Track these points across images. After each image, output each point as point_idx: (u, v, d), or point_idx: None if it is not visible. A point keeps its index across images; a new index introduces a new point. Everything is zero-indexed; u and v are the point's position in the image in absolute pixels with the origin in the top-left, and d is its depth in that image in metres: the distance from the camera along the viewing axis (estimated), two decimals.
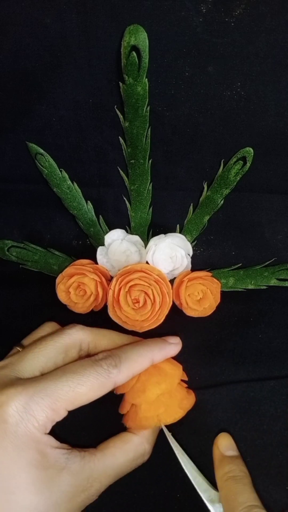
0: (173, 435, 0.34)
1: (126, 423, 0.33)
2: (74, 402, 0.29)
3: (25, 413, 0.27)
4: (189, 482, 0.33)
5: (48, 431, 0.28)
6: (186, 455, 0.33)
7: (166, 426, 0.34)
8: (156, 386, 0.33)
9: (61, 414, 0.28)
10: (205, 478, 0.33)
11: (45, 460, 0.27)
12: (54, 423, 0.28)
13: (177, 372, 0.34)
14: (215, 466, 0.32)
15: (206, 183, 0.40)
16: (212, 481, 0.33)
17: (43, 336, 0.34)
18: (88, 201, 0.42)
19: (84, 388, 0.29)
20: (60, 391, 0.28)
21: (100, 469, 0.29)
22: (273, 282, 0.43)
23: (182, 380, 0.35)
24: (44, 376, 0.30)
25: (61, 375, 0.29)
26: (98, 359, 0.31)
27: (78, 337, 0.33)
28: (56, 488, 0.27)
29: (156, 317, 0.38)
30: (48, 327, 0.36)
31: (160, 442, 0.33)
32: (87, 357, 0.34)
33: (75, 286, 0.39)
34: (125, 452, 0.31)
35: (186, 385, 0.35)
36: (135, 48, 0.34)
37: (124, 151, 0.39)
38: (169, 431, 0.34)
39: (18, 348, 0.34)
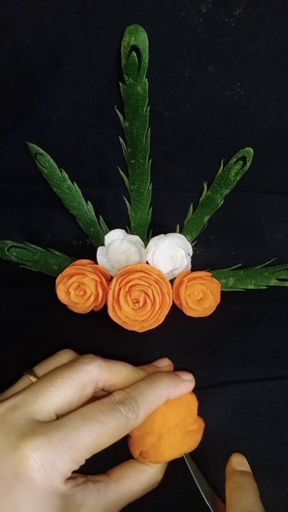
0: None
1: (137, 455, 0.33)
2: (94, 451, 0.28)
3: (51, 468, 0.26)
4: (191, 483, 0.33)
5: (67, 478, 0.28)
6: (194, 463, 0.33)
7: None
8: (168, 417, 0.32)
9: (81, 463, 0.28)
10: (211, 488, 0.33)
11: (65, 501, 0.27)
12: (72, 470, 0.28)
13: (172, 418, 0.33)
14: (226, 479, 0.33)
15: (206, 183, 0.40)
16: (212, 483, 0.33)
17: (58, 367, 0.32)
18: (88, 201, 0.42)
19: (105, 438, 0.28)
20: (83, 442, 0.27)
21: (115, 500, 0.29)
22: (273, 282, 0.43)
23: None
24: (63, 422, 0.28)
25: (81, 423, 0.28)
26: (115, 402, 0.30)
27: (96, 374, 0.31)
28: None
29: (156, 317, 0.38)
30: (63, 358, 0.34)
31: None
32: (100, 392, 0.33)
33: (75, 286, 0.39)
34: (140, 483, 0.31)
35: (194, 426, 0.34)
36: (135, 48, 0.34)
37: (124, 151, 0.39)
38: None
39: (30, 377, 0.32)
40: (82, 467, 0.28)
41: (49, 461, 0.26)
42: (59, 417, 0.29)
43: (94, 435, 0.27)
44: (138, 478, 0.31)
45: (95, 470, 0.31)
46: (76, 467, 0.28)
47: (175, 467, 0.34)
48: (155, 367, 0.36)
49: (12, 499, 0.26)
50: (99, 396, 0.31)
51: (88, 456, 0.28)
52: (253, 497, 0.31)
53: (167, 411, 0.32)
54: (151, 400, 0.31)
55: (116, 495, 0.30)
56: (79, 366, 0.31)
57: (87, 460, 0.28)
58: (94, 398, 0.31)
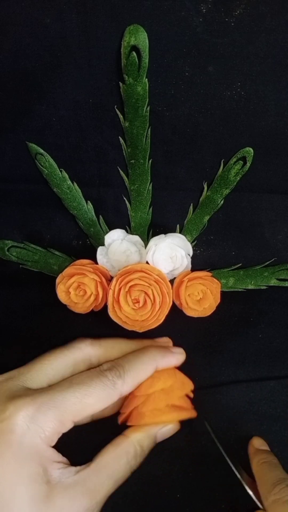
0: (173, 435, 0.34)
1: (120, 419, 0.33)
2: (81, 413, 0.29)
3: (32, 423, 0.27)
4: (191, 483, 0.33)
5: (53, 443, 0.28)
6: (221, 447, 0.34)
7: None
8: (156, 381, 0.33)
9: (68, 426, 0.28)
10: (239, 466, 0.33)
11: (44, 475, 0.27)
12: (60, 435, 0.28)
13: (160, 381, 0.34)
14: (251, 459, 0.33)
15: (206, 183, 0.40)
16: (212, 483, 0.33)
17: (53, 349, 0.34)
18: (88, 201, 0.42)
19: (91, 399, 0.29)
20: (68, 402, 0.28)
21: (95, 480, 0.29)
22: (273, 282, 0.43)
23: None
24: (51, 387, 0.30)
25: (68, 386, 0.29)
26: (103, 369, 0.31)
27: (88, 351, 0.33)
28: (51, 503, 0.27)
29: (156, 317, 0.38)
30: None
31: (160, 443, 0.33)
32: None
33: (75, 286, 0.39)
34: (117, 457, 0.31)
35: (184, 404, 0.34)
36: (135, 48, 0.34)
37: (124, 151, 0.39)
38: None
39: None
40: (75, 460, 0.28)
41: (31, 417, 0.27)
42: None
43: (79, 395, 0.29)
44: (115, 452, 0.31)
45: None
46: (63, 429, 0.28)
47: (174, 467, 0.34)
48: (151, 341, 0.37)
49: None
50: None
51: (75, 418, 0.28)
52: (281, 468, 0.31)
53: (156, 376, 0.34)
54: (138, 368, 0.32)
55: (96, 474, 0.29)
56: (71, 344, 0.34)
57: (81, 455, 0.28)
58: None
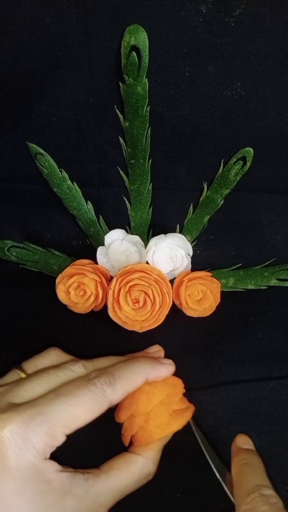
0: (173, 435, 0.34)
1: (126, 441, 0.33)
2: (71, 425, 0.28)
3: (23, 444, 0.26)
4: (191, 482, 0.33)
5: (48, 456, 0.27)
6: (206, 441, 0.34)
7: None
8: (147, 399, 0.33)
9: (60, 439, 0.28)
10: (223, 464, 0.33)
11: (48, 486, 0.27)
12: (54, 449, 0.28)
13: (156, 396, 0.33)
14: (232, 458, 0.33)
15: (206, 183, 0.40)
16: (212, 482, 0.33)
17: (46, 366, 0.33)
18: (88, 201, 0.42)
19: (81, 410, 0.28)
20: (56, 415, 0.27)
21: (106, 492, 0.29)
22: (273, 282, 0.43)
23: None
24: (37, 400, 0.28)
25: (54, 397, 0.28)
26: (91, 377, 0.30)
27: (80, 373, 0.32)
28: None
29: (156, 317, 0.38)
30: (52, 355, 0.34)
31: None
32: None
33: (75, 286, 0.39)
34: (130, 474, 0.30)
35: (181, 405, 0.34)
36: (135, 48, 0.34)
37: (124, 151, 0.39)
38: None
39: (17, 371, 0.33)
40: (78, 463, 0.28)
41: (21, 437, 0.26)
42: None
43: (68, 407, 0.27)
44: (128, 468, 0.31)
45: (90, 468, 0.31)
46: (55, 443, 0.27)
47: (175, 467, 0.34)
48: (144, 353, 0.37)
49: None
50: None
51: (66, 430, 0.27)
52: (262, 473, 0.31)
53: (151, 390, 0.33)
54: (128, 376, 0.31)
55: (106, 486, 0.29)
56: (65, 366, 0.32)
57: (80, 457, 0.28)
58: None
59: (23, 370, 0.33)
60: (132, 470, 0.31)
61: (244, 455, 0.32)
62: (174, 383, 0.35)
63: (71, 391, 0.29)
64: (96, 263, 0.41)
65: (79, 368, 0.32)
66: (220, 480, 0.32)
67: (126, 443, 0.33)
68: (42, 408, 0.27)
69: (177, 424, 0.33)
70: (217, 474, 0.32)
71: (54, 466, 0.28)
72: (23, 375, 0.33)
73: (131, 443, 0.33)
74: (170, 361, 0.36)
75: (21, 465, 0.26)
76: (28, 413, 0.27)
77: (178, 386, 0.35)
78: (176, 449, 0.34)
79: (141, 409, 0.32)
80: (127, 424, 0.33)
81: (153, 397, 0.33)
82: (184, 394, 0.35)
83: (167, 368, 0.35)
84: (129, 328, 0.39)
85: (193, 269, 0.42)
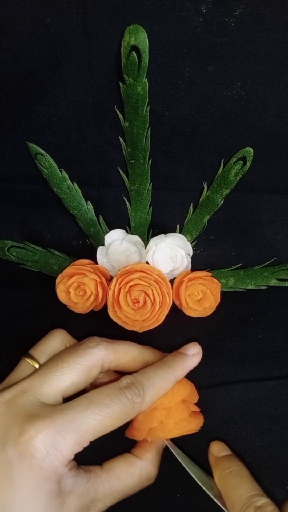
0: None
1: (127, 433, 0.33)
2: (98, 434, 0.28)
3: (52, 448, 0.27)
4: (191, 482, 0.33)
5: (69, 462, 0.28)
6: (186, 457, 0.33)
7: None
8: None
9: (84, 446, 0.28)
10: (208, 476, 0.33)
11: (59, 489, 0.27)
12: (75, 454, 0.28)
13: (180, 391, 0.33)
14: (212, 469, 0.33)
15: (206, 183, 0.40)
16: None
17: (63, 352, 0.33)
18: (88, 201, 0.42)
19: (111, 421, 0.28)
20: (87, 424, 0.28)
21: (106, 490, 0.29)
22: (273, 282, 0.43)
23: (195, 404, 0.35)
24: (69, 405, 0.29)
25: (87, 406, 0.28)
26: (122, 387, 0.30)
27: (101, 357, 0.31)
28: (65, 511, 0.27)
29: (156, 317, 0.38)
30: (57, 336, 0.35)
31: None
32: (106, 373, 0.34)
33: (75, 286, 0.39)
34: (130, 475, 0.31)
35: (196, 408, 0.35)
36: (135, 48, 0.34)
37: (124, 151, 0.39)
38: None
39: (28, 360, 0.33)
40: (80, 459, 0.28)
41: (52, 441, 0.27)
42: (65, 399, 0.30)
43: (99, 418, 0.28)
44: (129, 469, 0.31)
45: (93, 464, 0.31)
46: (79, 449, 0.28)
47: (174, 466, 0.34)
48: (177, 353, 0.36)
49: (11, 477, 0.26)
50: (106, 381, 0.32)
51: (92, 438, 0.28)
52: (248, 480, 0.30)
53: (175, 386, 0.33)
54: (158, 385, 0.31)
55: (107, 485, 0.30)
56: (85, 350, 0.31)
57: (85, 454, 0.28)
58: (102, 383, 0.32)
59: (33, 359, 0.33)
60: (132, 471, 0.31)
61: (224, 464, 0.32)
62: (191, 384, 0.35)
63: (103, 401, 0.29)
64: (96, 263, 0.41)
65: (99, 351, 0.31)
66: (210, 494, 0.31)
67: (140, 437, 0.33)
68: (74, 416, 0.28)
69: (195, 423, 0.33)
70: (207, 491, 0.31)
71: (67, 468, 0.28)
72: (35, 364, 0.32)
73: (131, 443, 0.33)
74: (198, 348, 0.35)
75: (45, 467, 0.27)
76: (62, 420, 0.27)
77: (194, 389, 0.35)
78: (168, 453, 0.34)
79: (166, 403, 0.32)
80: (144, 418, 0.32)
81: (177, 392, 0.33)
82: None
83: (195, 358, 0.34)
84: (129, 328, 0.39)
85: (193, 269, 0.42)
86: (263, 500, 0.29)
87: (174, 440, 0.34)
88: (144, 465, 0.32)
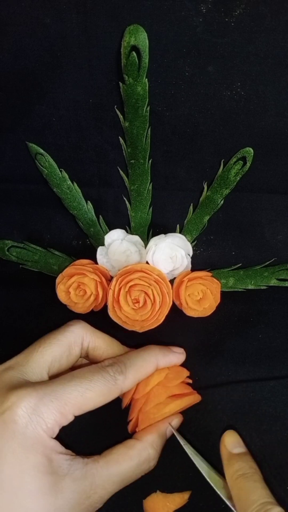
0: (173, 435, 0.34)
1: (130, 427, 0.34)
2: (81, 407, 0.29)
3: (34, 414, 0.27)
4: (193, 483, 0.32)
5: (55, 435, 0.28)
6: (199, 455, 0.33)
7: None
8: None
9: (69, 419, 0.29)
10: (219, 473, 0.32)
11: (50, 465, 0.27)
12: (60, 427, 0.28)
13: (154, 376, 0.34)
14: (224, 465, 0.32)
15: (206, 183, 0.40)
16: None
17: (45, 335, 0.34)
18: (88, 201, 0.42)
19: (92, 394, 0.29)
20: (69, 395, 0.28)
21: (104, 475, 0.29)
22: (273, 282, 0.43)
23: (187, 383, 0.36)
24: (53, 380, 0.30)
25: (70, 379, 0.29)
26: (104, 365, 0.31)
27: (80, 334, 0.33)
28: (60, 494, 0.27)
29: (156, 317, 0.38)
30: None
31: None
32: (86, 357, 0.35)
33: (75, 286, 0.40)
34: (129, 458, 0.31)
35: (184, 390, 0.35)
36: (135, 48, 0.34)
37: (124, 151, 0.39)
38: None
39: None
40: (77, 448, 0.29)
41: (33, 408, 0.27)
42: (50, 377, 0.31)
43: (81, 389, 0.29)
44: (127, 453, 0.31)
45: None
46: (63, 421, 0.28)
47: (175, 467, 0.34)
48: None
49: None
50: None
51: (76, 411, 0.29)
52: (262, 486, 0.30)
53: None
54: (139, 364, 0.33)
55: (104, 469, 0.29)
56: (65, 328, 0.34)
57: (87, 452, 0.29)
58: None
59: None
60: (131, 454, 0.31)
61: (238, 465, 0.31)
62: (177, 370, 0.35)
63: (85, 375, 0.30)
64: (96, 263, 0.41)
65: (77, 328, 0.33)
66: (221, 495, 0.31)
67: (131, 429, 0.33)
68: (57, 387, 0.29)
69: (175, 405, 0.33)
70: (217, 490, 0.31)
71: (57, 446, 0.28)
72: None
73: (134, 432, 0.33)
74: (181, 350, 0.36)
75: (28, 434, 0.27)
76: (44, 390, 0.28)
77: (181, 373, 0.35)
78: (177, 449, 0.34)
79: (141, 391, 0.33)
80: (130, 410, 0.34)
81: (151, 378, 0.33)
82: (191, 385, 0.36)
83: (178, 356, 0.36)
84: (129, 328, 0.39)
85: (193, 269, 0.42)
86: (277, 509, 0.28)
87: (183, 436, 0.34)
88: (143, 447, 0.32)
